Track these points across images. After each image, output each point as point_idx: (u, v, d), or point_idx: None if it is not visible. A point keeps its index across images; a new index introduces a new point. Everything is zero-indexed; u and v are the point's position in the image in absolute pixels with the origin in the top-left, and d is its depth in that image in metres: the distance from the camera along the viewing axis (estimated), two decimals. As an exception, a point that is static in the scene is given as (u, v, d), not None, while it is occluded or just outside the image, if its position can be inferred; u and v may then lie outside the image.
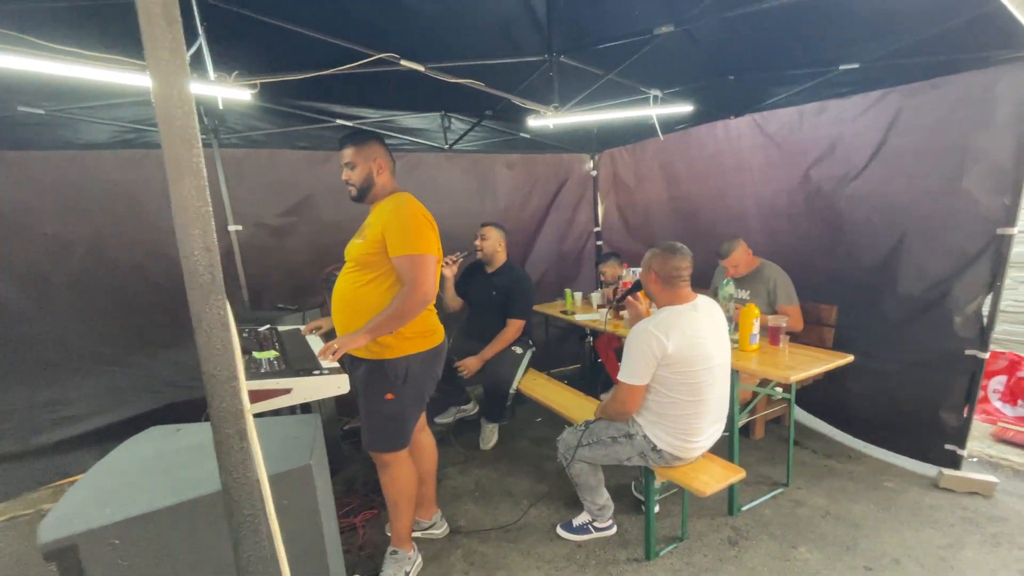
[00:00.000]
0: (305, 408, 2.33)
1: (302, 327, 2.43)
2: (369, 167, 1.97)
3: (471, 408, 3.50)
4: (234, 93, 2.01)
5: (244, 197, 3.32)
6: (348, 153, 1.98)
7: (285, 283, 3.39)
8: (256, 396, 1.76)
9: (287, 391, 1.77)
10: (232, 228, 3.28)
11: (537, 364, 3.42)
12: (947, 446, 2.61)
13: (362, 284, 1.94)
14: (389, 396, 1.97)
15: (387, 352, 1.94)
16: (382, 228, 1.86)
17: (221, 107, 2.91)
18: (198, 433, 1.38)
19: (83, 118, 2.67)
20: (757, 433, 3.16)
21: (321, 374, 1.83)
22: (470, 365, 3.07)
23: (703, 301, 1.99)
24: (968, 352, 2.50)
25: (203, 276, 0.55)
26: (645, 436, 2.01)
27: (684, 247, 1.98)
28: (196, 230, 0.54)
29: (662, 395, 1.94)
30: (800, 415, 3.33)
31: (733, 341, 2.54)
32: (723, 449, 2.42)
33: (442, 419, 3.46)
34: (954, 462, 2.61)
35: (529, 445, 3.26)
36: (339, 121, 3.35)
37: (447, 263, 3.02)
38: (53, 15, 1.71)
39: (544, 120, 2.63)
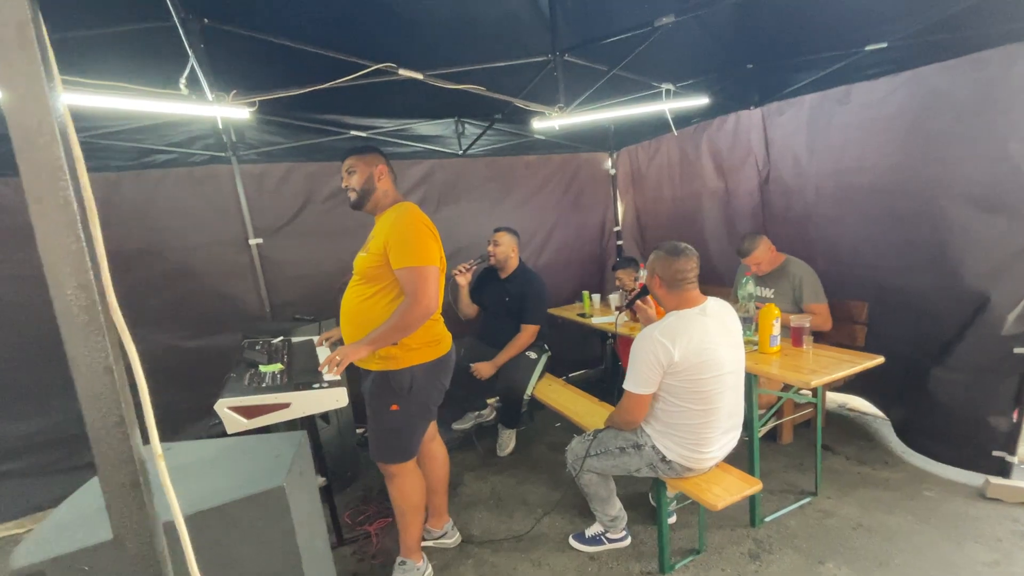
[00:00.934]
0: (309, 421, 2.33)
1: (316, 338, 2.45)
2: (370, 171, 1.97)
3: (488, 413, 3.47)
4: (233, 112, 2.01)
5: (264, 210, 3.36)
6: (349, 161, 1.99)
7: (305, 294, 3.41)
8: (255, 411, 1.82)
9: (286, 405, 1.84)
10: (253, 242, 3.32)
11: (556, 368, 3.36)
12: (995, 452, 2.38)
13: (366, 297, 1.93)
14: (394, 407, 1.96)
15: (392, 363, 1.93)
16: (384, 240, 1.85)
17: (221, 126, 2.97)
18: (187, 453, 1.37)
19: (104, 141, 2.77)
20: (785, 438, 2.98)
21: (320, 387, 1.87)
22: (483, 370, 3.03)
23: (713, 304, 1.88)
24: (1017, 350, 2.26)
25: (78, 317, 0.50)
26: (654, 447, 1.92)
27: (689, 248, 1.87)
28: (67, 268, 0.49)
29: (670, 404, 1.85)
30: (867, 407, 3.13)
31: (753, 343, 2.41)
32: (744, 457, 2.27)
33: (460, 425, 3.43)
34: (1003, 469, 2.37)
35: (547, 451, 3.18)
36: (353, 132, 3.37)
37: (460, 271, 3.01)
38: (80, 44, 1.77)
39: (549, 122, 2.54)
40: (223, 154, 3.21)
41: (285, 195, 3.42)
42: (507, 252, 3.14)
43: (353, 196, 1.98)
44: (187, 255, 3.13)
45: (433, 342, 1.97)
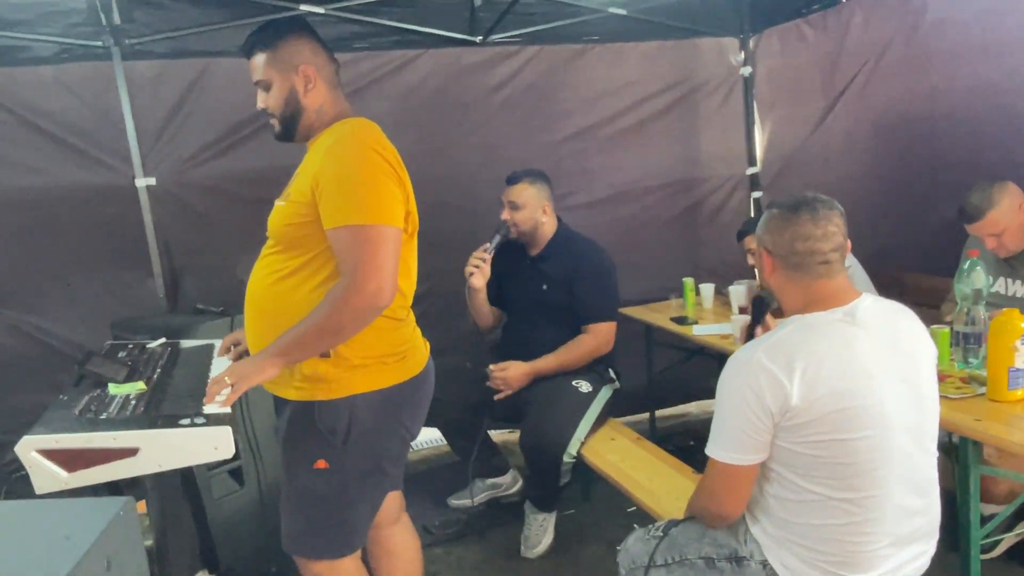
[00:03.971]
0: (190, 482, 2.34)
1: (218, 343, 2.51)
2: (290, 83, 1.98)
3: (510, 483, 3.44)
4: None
5: (163, 133, 3.46)
6: (258, 64, 2.00)
7: (220, 271, 3.45)
8: (81, 458, 1.83)
9: (131, 452, 1.83)
10: (142, 182, 3.41)
11: (623, 409, 3.42)
12: None
13: (283, 275, 1.94)
14: (321, 464, 1.95)
15: (319, 390, 1.92)
16: (313, 179, 1.85)
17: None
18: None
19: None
20: None
21: (192, 425, 1.85)
22: (513, 376, 3.08)
23: (871, 307, 1.76)
24: None
25: None
26: (765, 563, 1.80)
27: (823, 200, 1.77)
28: None
29: (790, 487, 1.73)
30: None
31: (977, 381, 2.24)
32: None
33: (460, 500, 3.43)
34: None
35: (607, 553, 2.99)
36: (305, 7, 3.39)
37: (475, 267, 3.08)
38: None
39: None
40: (97, 43, 3.29)
41: (197, 110, 3.50)
42: (534, 216, 3.16)
43: (276, 125, 2.03)
44: (33, 203, 3.25)
45: (391, 356, 1.97)
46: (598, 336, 3.11)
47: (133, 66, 3.36)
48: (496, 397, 3.11)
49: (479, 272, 3.08)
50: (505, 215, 3.16)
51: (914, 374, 1.75)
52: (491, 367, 3.14)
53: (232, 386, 1.83)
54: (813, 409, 1.64)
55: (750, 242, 3.48)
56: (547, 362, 3.10)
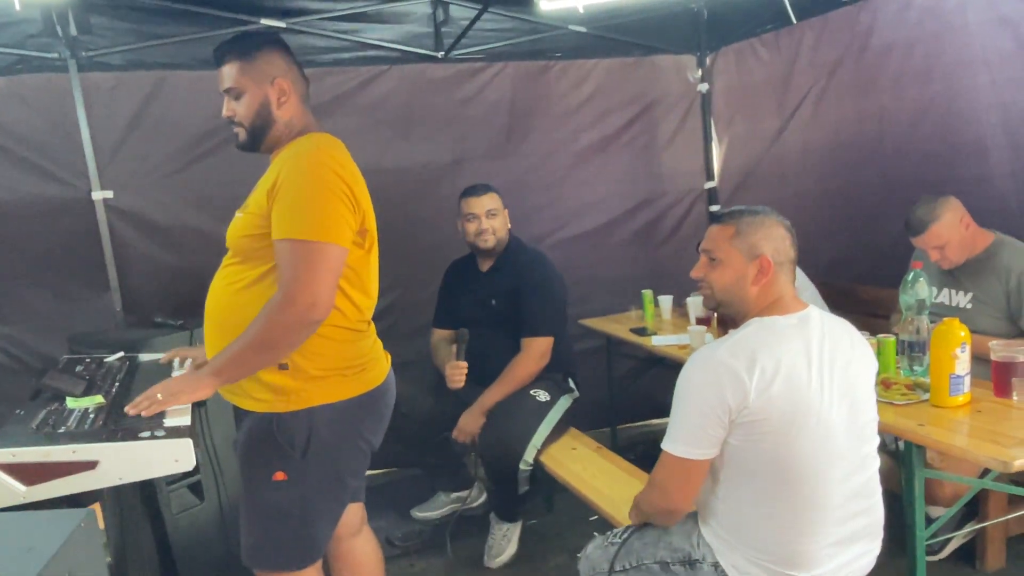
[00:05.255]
0: (149, 495, 2.31)
1: (162, 356, 2.49)
2: (264, 94, 1.98)
3: (475, 495, 3.44)
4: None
5: (119, 147, 3.45)
6: (229, 72, 1.99)
7: (178, 284, 3.46)
8: (40, 472, 1.81)
9: (91, 465, 1.82)
10: (99, 195, 3.40)
11: (585, 422, 3.36)
12: None
13: (242, 286, 1.94)
14: (279, 476, 1.95)
15: (280, 401, 1.92)
16: (269, 191, 1.86)
17: (54, 16, 3.00)
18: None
19: None
20: (990, 560, 2.80)
21: (152, 437, 1.84)
22: (467, 426, 3.08)
23: (818, 317, 1.83)
24: None
25: None
26: (717, 566, 1.83)
27: None
28: None
29: (738, 488, 1.77)
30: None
31: (922, 388, 2.30)
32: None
33: (425, 512, 3.42)
34: None
35: (569, 562, 3.06)
36: (265, 21, 3.44)
37: (459, 378, 3.06)
38: None
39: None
40: (53, 56, 3.28)
41: (155, 122, 3.50)
42: (506, 223, 3.20)
43: (242, 135, 2.02)
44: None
45: (351, 368, 1.98)
46: (533, 352, 3.11)
47: (89, 78, 3.36)
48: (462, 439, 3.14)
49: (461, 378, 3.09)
50: (484, 225, 3.14)
51: (854, 381, 1.80)
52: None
53: (160, 401, 1.84)
54: (767, 407, 1.67)
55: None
56: (492, 396, 3.10)
